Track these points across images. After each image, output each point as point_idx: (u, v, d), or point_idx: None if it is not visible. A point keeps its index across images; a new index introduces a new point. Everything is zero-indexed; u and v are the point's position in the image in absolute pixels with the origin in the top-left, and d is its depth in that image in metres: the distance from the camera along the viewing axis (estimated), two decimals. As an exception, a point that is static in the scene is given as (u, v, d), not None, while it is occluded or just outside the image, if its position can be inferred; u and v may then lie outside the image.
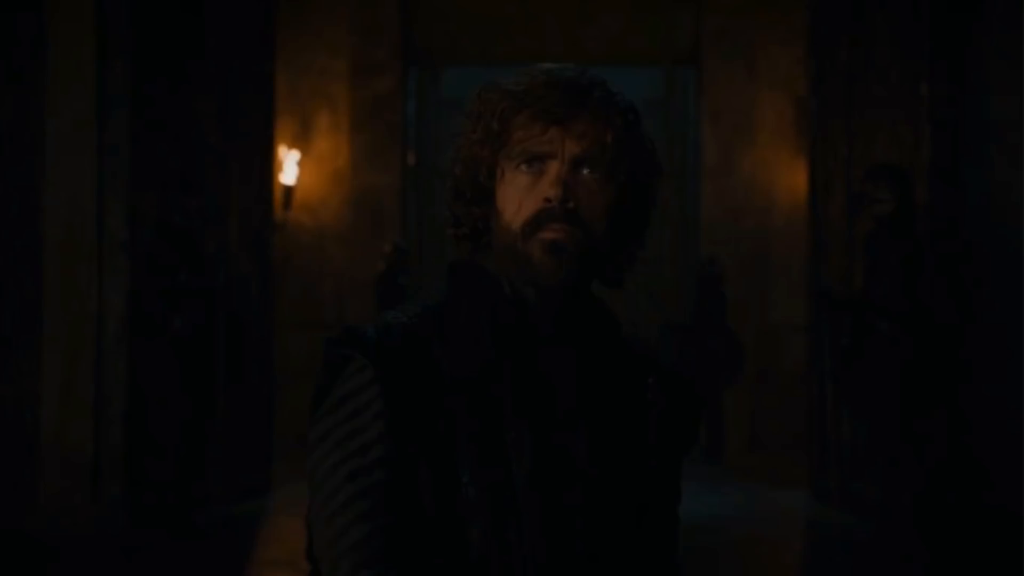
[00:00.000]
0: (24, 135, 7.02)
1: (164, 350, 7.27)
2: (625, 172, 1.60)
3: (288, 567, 6.37)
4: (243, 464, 7.94)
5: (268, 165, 8.48)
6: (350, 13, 11.39)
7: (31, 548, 6.69)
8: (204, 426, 7.53)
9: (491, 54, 11.40)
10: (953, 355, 6.88)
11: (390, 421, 1.52)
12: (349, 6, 11.40)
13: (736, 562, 7.09)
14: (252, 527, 7.58)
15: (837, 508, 7.85)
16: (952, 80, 7.01)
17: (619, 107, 1.60)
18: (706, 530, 7.42)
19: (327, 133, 11.39)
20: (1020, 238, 6.67)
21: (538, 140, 1.58)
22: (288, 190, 11.07)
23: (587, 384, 1.60)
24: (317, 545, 1.54)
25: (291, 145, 11.14)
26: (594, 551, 1.56)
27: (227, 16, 7.92)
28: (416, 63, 11.64)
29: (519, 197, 1.58)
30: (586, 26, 11.43)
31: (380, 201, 11.40)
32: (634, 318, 10.82)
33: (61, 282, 7.10)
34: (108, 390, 7.15)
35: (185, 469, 7.37)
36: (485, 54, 11.43)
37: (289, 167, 11.07)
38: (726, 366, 10.42)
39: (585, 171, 1.58)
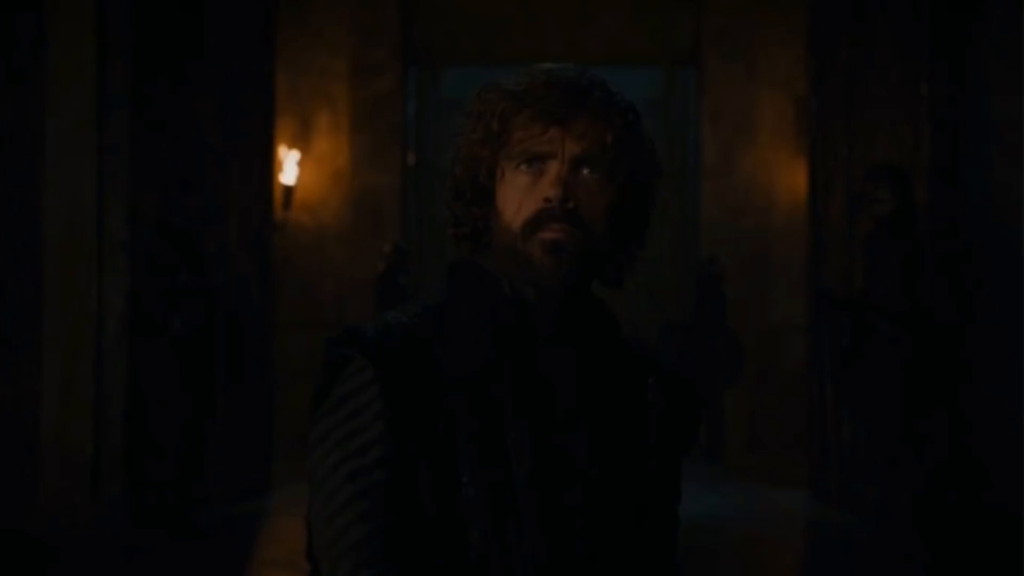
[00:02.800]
0: (24, 135, 7.02)
1: (164, 350, 7.26)
2: (625, 172, 1.60)
3: (288, 567, 6.37)
4: (243, 464, 7.94)
5: (268, 165, 8.48)
6: (350, 13, 11.39)
7: (31, 548, 6.69)
8: (204, 426, 7.53)
9: (491, 54, 11.40)
10: (953, 355, 6.88)
11: (390, 421, 1.53)
12: (349, 6, 11.40)
13: (736, 562, 7.09)
14: (252, 527, 7.58)
15: (837, 508, 7.85)
16: (952, 80, 7.01)
17: (619, 107, 1.60)
18: (706, 530, 7.42)
19: (327, 133, 11.39)
20: (1020, 238, 6.67)
21: (538, 140, 1.58)
22: (288, 190, 11.07)
23: (587, 384, 1.60)
24: (317, 545, 1.54)
25: (291, 145, 11.14)
26: (594, 551, 1.56)
27: (227, 16, 7.92)
28: (416, 63, 11.65)
29: (519, 197, 1.58)
30: (586, 26, 11.43)
31: (380, 201, 11.40)
32: (634, 318, 10.82)
33: (61, 282, 7.10)
34: (108, 390, 7.15)
35: (185, 469, 7.37)
36: (485, 54, 11.43)
37: (289, 167, 11.07)
38: (726, 366, 10.42)
39: (585, 171, 1.58)
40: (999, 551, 6.48)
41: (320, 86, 11.35)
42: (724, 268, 10.58)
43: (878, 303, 7.10)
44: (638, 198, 1.63)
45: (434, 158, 11.51)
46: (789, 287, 10.78)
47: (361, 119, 11.38)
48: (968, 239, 6.95)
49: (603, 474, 1.58)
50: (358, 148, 11.39)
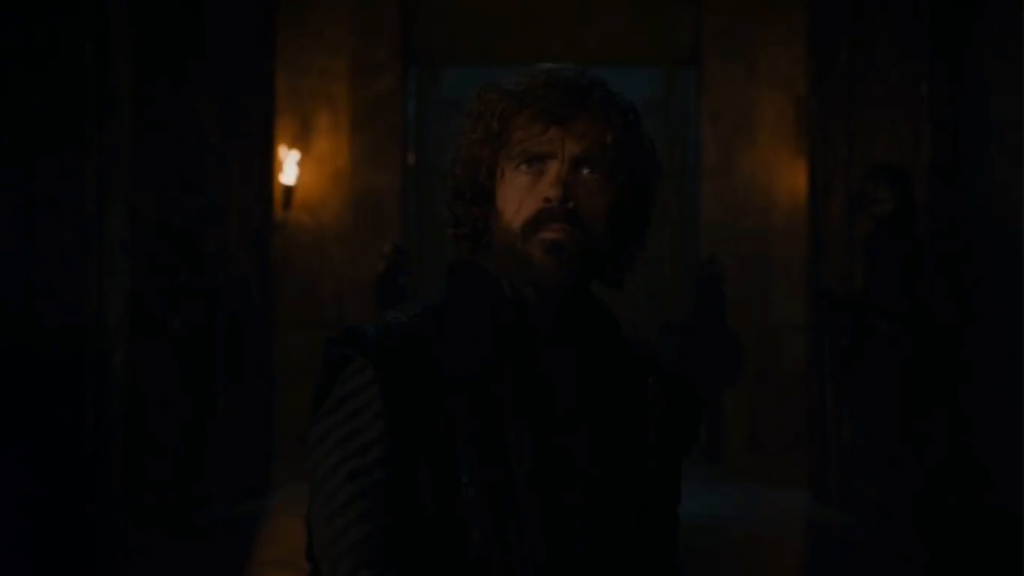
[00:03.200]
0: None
1: (164, 350, 7.26)
2: (625, 172, 1.60)
3: (288, 567, 6.37)
4: (243, 464, 7.94)
5: (268, 165, 8.48)
6: (350, 13, 11.38)
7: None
8: (204, 426, 7.53)
9: (491, 54, 11.40)
10: (953, 355, 6.88)
11: (390, 421, 1.53)
12: (349, 6, 11.39)
13: (736, 562, 7.09)
14: (252, 527, 7.58)
15: (837, 508, 7.85)
16: (952, 80, 7.01)
17: (619, 107, 1.60)
18: (706, 530, 7.42)
19: (327, 133, 11.39)
20: (1020, 238, 6.67)
21: (538, 140, 1.58)
22: (288, 190, 11.07)
23: (587, 384, 1.60)
24: (317, 545, 1.54)
25: (291, 145, 11.13)
26: (594, 551, 1.56)
27: (227, 16, 7.92)
28: (416, 63, 11.64)
29: (519, 197, 1.58)
30: (586, 26, 11.43)
31: (380, 201, 11.40)
32: (634, 318, 10.82)
33: (61, 282, 7.09)
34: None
35: (185, 469, 7.37)
36: (485, 54, 11.43)
37: (289, 167, 11.07)
38: (726, 366, 10.41)
39: (585, 171, 1.58)
40: (999, 551, 6.48)
41: (320, 86, 11.34)
42: (724, 268, 10.58)
43: (878, 303, 7.10)
44: (638, 198, 1.63)
45: (434, 158, 11.50)
46: (789, 287, 10.77)
47: (361, 119, 11.38)
48: (968, 239, 6.95)
49: (603, 474, 1.58)
50: (358, 148, 11.38)
